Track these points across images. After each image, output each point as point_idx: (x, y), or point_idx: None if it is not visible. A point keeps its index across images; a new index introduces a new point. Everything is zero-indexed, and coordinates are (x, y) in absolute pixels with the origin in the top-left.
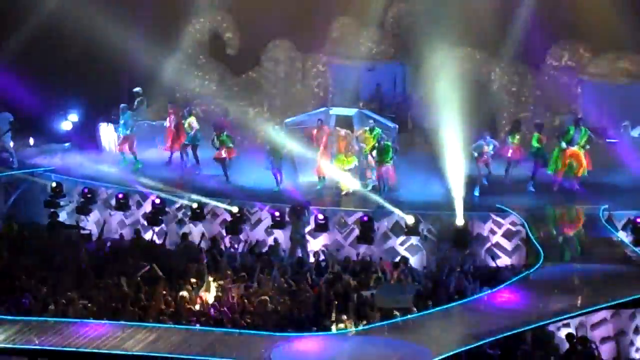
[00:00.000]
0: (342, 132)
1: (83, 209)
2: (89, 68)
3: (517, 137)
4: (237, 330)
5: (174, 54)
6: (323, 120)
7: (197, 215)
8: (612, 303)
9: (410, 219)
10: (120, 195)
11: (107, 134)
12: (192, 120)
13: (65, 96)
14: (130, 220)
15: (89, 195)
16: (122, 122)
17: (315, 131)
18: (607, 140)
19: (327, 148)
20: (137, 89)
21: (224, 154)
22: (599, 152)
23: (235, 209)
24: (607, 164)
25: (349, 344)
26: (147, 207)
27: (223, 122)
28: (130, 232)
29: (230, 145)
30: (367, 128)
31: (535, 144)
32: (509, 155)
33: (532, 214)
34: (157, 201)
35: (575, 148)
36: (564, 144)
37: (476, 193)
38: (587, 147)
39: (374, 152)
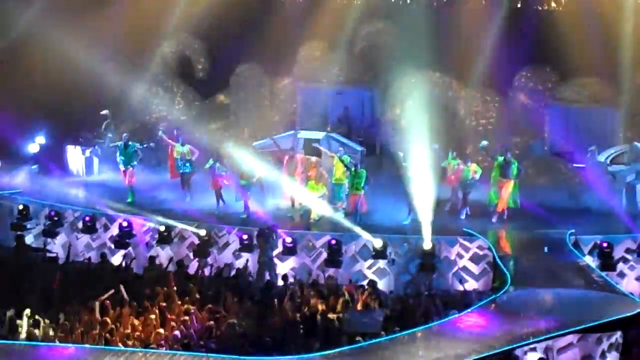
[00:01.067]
0: (313, 159)
1: (50, 232)
2: (57, 90)
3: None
4: (205, 354)
5: (143, 77)
6: (295, 148)
7: (165, 238)
8: (579, 327)
9: (378, 243)
10: (87, 218)
11: (75, 156)
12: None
13: (32, 118)
14: (97, 243)
15: (55, 218)
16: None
17: (286, 158)
18: (574, 165)
19: (300, 175)
20: (104, 112)
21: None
22: (565, 177)
23: (203, 232)
24: (573, 189)
25: None
26: (114, 230)
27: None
28: (97, 255)
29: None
30: (337, 156)
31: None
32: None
33: (499, 237)
34: (125, 224)
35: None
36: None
37: (462, 216)
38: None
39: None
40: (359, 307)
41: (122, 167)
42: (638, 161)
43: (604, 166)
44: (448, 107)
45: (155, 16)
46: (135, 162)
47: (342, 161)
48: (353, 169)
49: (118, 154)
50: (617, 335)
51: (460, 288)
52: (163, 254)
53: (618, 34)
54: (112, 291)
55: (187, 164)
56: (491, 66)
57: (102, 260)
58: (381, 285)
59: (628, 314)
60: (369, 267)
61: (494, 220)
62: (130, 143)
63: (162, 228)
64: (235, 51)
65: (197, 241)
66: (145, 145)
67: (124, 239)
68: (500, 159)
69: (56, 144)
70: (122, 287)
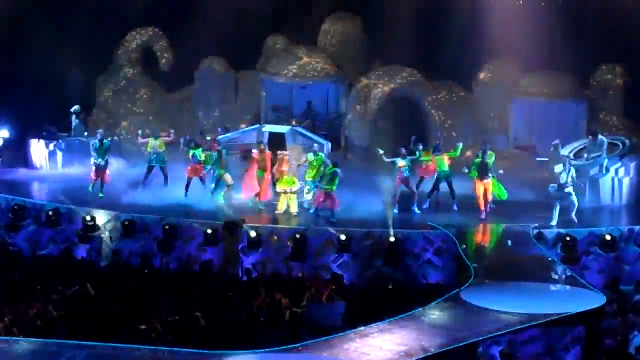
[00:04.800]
0: (285, 153)
1: (13, 226)
2: (19, 83)
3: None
4: (168, 348)
5: (106, 70)
6: (264, 143)
7: (129, 232)
8: (542, 321)
9: (342, 236)
10: (51, 212)
11: (38, 150)
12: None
13: None
14: (61, 237)
15: (19, 212)
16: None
17: (256, 154)
18: (537, 158)
19: (270, 170)
20: (75, 107)
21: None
22: (529, 170)
23: (168, 226)
24: (537, 182)
25: None
26: (78, 224)
27: (201, 141)
28: (61, 249)
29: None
30: (312, 152)
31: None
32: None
33: (463, 231)
34: (89, 218)
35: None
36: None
37: (416, 210)
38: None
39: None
40: (322, 300)
41: (95, 163)
42: (601, 154)
43: (567, 160)
44: (413, 101)
45: (120, 8)
46: (105, 159)
47: (318, 160)
48: (331, 166)
49: (93, 149)
50: (581, 329)
51: (425, 281)
52: (127, 248)
53: (582, 27)
54: (76, 287)
55: (156, 157)
56: (455, 60)
57: (66, 254)
58: (345, 278)
59: (591, 307)
60: (334, 261)
61: (482, 216)
62: (105, 140)
63: (126, 222)
64: (200, 44)
65: (162, 235)
66: (111, 139)
67: (88, 232)
68: (478, 160)
69: (20, 137)
70: (86, 283)
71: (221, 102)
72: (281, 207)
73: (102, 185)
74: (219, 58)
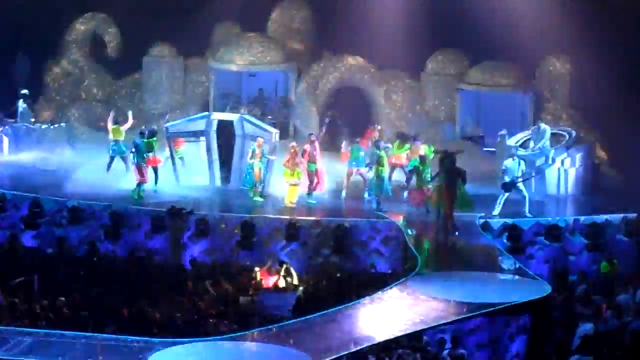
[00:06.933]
0: (295, 145)
1: None
2: None
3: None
4: (115, 336)
5: (54, 56)
6: (314, 135)
7: (76, 218)
8: (488, 310)
9: (291, 225)
10: None
11: None
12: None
13: None
14: (7, 223)
15: None
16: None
17: (307, 147)
18: (484, 149)
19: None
20: (24, 91)
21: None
22: (476, 161)
23: (115, 213)
24: (483, 173)
25: (228, 350)
26: (25, 210)
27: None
28: (7, 236)
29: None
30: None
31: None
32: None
33: (410, 220)
34: (35, 204)
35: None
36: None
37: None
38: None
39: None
40: (271, 289)
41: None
42: (545, 144)
43: (514, 150)
44: (362, 90)
45: None
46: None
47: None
48: None
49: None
50: (526, 318)
51: (372, 270)
52: (74, 235)
53: (528, 18)
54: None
55: (116, 147)
56: (405, 50)
57: (12, 241)
58: (294, 267)
59: (536, 297)
60: (282, 249)
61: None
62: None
63: (73, 208)
64: (148, 31)
65: (108, 222)
66: (56, 125)
67: (34, 219)
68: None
69: None
70: (32, 272)
71: (170, 89)
72: (291, 199)
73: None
74: (168, 45)
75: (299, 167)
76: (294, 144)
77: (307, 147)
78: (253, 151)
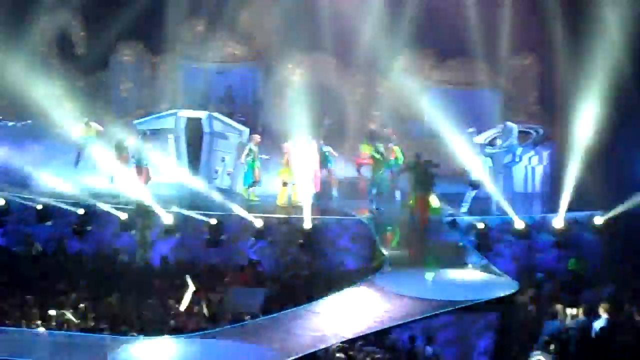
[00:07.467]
0: (286, 145)
1: None
2: None
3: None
4: (81, 334)
5: (21, 52)
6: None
7: (43, 217)
8: (456, 307)
9: (258, 222)
10: None
11: None
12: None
13: None
14: None
15: None
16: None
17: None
18: None
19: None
20: None
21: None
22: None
23: (81, 211)
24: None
25: (196, 347)
26: None
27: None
28: None
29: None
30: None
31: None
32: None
33: (378, 218)
34: (2, 202)
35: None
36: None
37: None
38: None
39: None
40: (240, 287)
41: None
42: (512, 142)
43: (482, 148)
44: (331, 88)
45: None
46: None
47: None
48: None
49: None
50: (493, 315)
51: (340, 268)
52: (41, 233)
53: (496, 16)
54: None
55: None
56: (372, 48)
57: None
58: (262, 265)
59: (504, 294)
60: (250, 247)
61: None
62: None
63: (40, 206)
64: (116, 28)
65: (76, 220)
66: (23, 124)
67: (1, 217)
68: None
69: None
70: None
71: (137, 87)
72: (283, 199)
73: None
74: (136, 42)
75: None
76: (287, 143)
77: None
78: (250, 150)
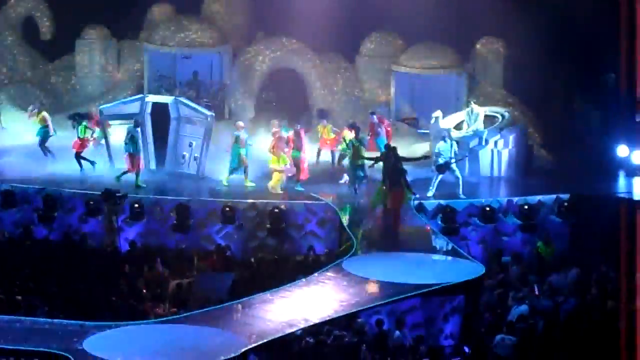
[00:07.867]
0: (274, 131)
1: None
2: None
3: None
4: (49, 320)
5: None
6: (301, 123)
7: (9, 202)
8: (422, 291)
9: (226, 208)
10: None
11: None
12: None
13: None
14: None
15: None
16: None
17: (291, 133)
18: (419, 131)
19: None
20: None
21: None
22: (411, 142)
23: (48, 197)
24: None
25: (163, 333)
26: None
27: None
28: None
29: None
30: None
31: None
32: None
33: (345, 202)
34: None
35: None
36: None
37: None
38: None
39: None
40: (207, 272)
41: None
42: (478, 126)
43: (447, 132)
44: (296, 72)
45: None
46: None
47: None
48: None
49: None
50: (460, 299)
51: (308, 252)
52: (8, 219)
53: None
54: None
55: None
56: (338, 31)
57: None
58: (230, 250)
59: (470, 278)
60: (218, 232)
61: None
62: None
63: (6, 192)
64: (81, 12)
65: (42, 205)
66: None
67: None
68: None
69: None
70: None
71: (103, 71)
72: (275, 184)
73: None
74: (101, 26)
75: (284, 154)
76: (276, 129)
77: (290, 135)
78: (237, 137)
